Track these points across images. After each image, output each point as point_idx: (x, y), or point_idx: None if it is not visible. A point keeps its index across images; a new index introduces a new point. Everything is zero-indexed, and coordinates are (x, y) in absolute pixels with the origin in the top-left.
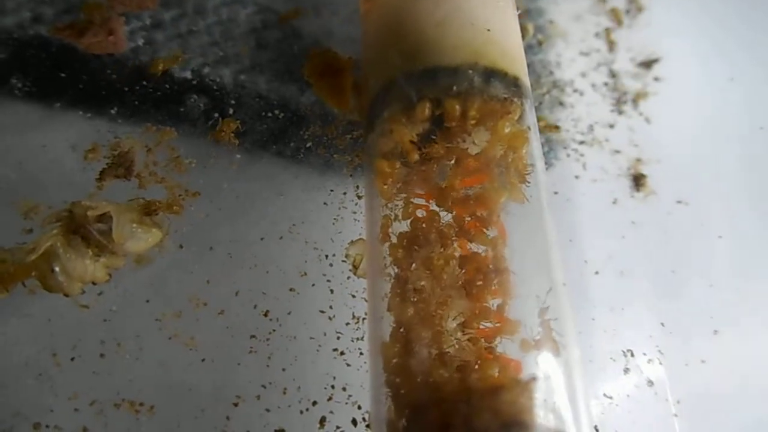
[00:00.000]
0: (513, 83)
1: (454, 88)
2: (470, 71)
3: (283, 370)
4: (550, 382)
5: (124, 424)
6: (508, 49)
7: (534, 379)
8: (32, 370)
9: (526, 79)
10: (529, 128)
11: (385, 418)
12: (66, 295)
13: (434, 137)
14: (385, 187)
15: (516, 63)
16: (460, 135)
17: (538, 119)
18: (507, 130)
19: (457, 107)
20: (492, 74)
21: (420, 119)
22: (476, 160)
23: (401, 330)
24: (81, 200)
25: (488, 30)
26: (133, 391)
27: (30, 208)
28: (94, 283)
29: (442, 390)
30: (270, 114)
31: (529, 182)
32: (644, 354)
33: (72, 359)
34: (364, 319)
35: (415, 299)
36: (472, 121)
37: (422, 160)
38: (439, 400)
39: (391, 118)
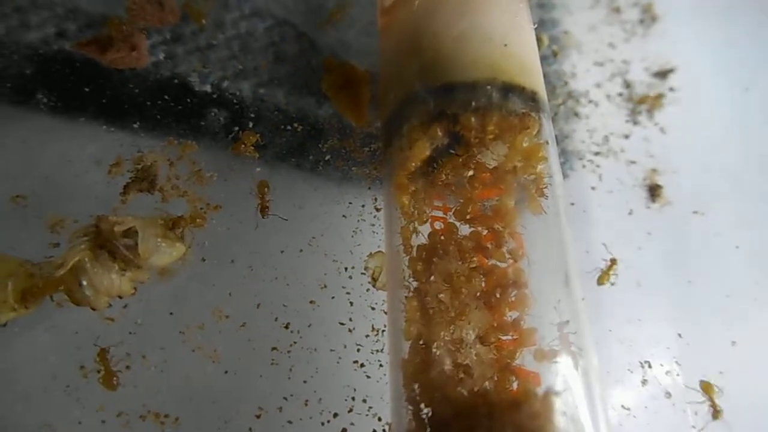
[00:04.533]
0: (531, 98)
1: (473, 103)
2: (488, 87)
3: (305, 382)
4: (569, 393)
5: None
6: (525, 64)
7: (553, 392)
8: (60, 383)
9: (543, 93)
10: (547, 142)
11: (405, 430)
12: (93, 309)
13: (453, 151)
14: (405, 200)
15: (533, 77)
16: (478, 149)
17: None
18: (525, 145)
19: (474, 122)
20: (510, 89)
21: (439, 134)
22: (493, 173)
23: (421, 342)
24: (107, 215)
25: (505, 45)
26: (158, 403)
27: (56, 222)
28: (120, 297)
29: (463, 405)
30: (289, 127)
31: (547, 195)
32: (662, 365)
33: (98, 371)
34: (383, 331)
35: (434, 312)
36: (491, 136)
37: (441, 173)
38: (461, 415)
39: (409, 133)
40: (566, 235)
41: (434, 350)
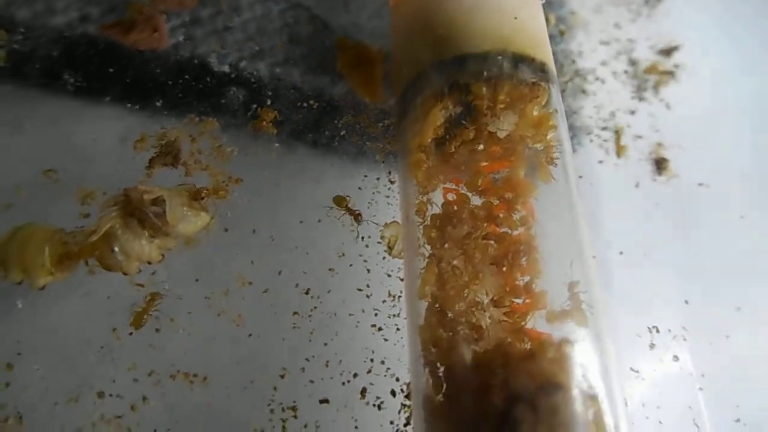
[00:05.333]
0: (540, 68)
1: (485, 73)
2: (499, 57)
3: (325, 344)
4: (582, 347)
5: (180, 394)
6: (535, 36)
7: (567, 341)
8: (95, 345)
9: (552, 65)
10: (556, 111)
11: (423, 390)
12: (124, 274)
13: (464, 122)
14: (419, 171)
15: (542, 49)
16: (489, 119)
17: None
18: (535, 113)
19: (486, 91)
20: (520, 60)
21: (451, 104)
22: (503, 146)
23: (436, 306)
24: (136, 185)
25: (515, 18)
26: (186, 364)
27: (86, 194)
28: (149, 263)
29: (479, 360)
30: (305, 104)
31: (556, 163)
32: (669, 330)
33: (130, 334)
34: (399, 296)
35: (448, 276)
36: (501, 105)
37: (453, 144)
38: (477, 369)
39: (423, 104)
40: (576, 200)
41: (449, 314)
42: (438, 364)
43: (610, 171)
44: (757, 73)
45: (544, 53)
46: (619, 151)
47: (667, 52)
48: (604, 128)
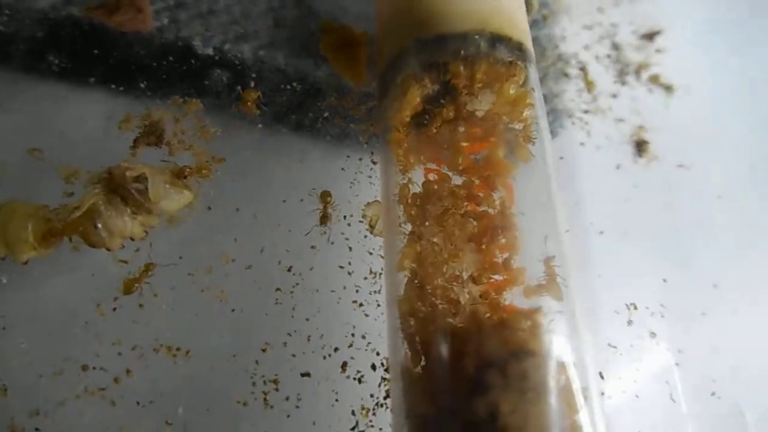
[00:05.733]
0: (517, 48)
1: (462, 52)
2: (477, 36)
3: (307, 320)
4: (554, 318)
5: (163, 367)
6: (512, 17)
7: (539, 311)
8: (79, 319)
9: (529, 45)
10: (533, 89)
11: (401, 363)
12: (108, 249)
13: (443, 101)
14: (399, 150)
15: (520, 29)
16: (467, 97)
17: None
18: (512, 92)
19: (463, 70)
20: (497, 39)
21: (429, 83)
22: (483, 126)
23: (416, 282)
24: (119, 163)
25: None
26: (170, 338)
27: (71, 173)
28: (132, 239)
29: (455, 329)
30: (289, 86)
31: (534, 141)
32: (647, 308)
33: (114, 309)
34: (380, 273)
35: (428, 253)
36: (479, 84)
37: (433, 124)
38: (453, 337)
39: (403, 82)
40: (552, 177)
41: (428, 288)
42: (416, 337)
43: (591, 153)
44: (738, 55)
45: (522, 34)
46: (589, 86)
47: (649, 36)
48: (586, 111)
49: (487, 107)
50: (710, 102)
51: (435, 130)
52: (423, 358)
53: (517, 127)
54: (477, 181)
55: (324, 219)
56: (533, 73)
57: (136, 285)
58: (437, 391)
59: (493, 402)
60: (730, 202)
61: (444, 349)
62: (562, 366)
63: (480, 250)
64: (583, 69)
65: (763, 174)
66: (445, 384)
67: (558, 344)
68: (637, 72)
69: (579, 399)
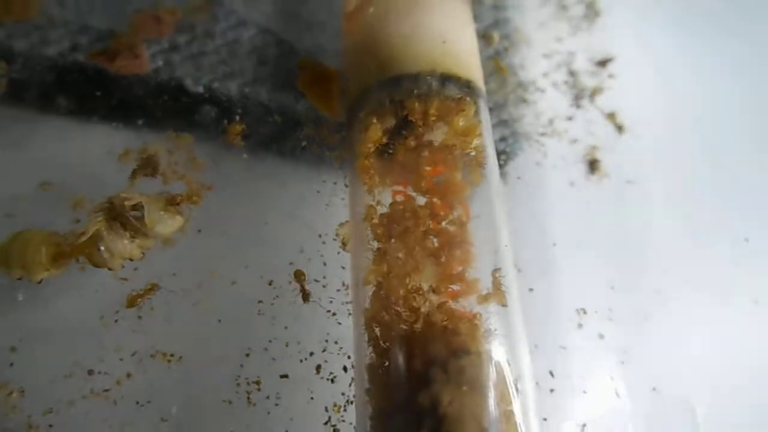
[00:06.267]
0: (466, 85)
1: (415, 91)
2: (428, 77)
3: (286, 328)
4: (494, 322)
5: (159, 370)
6: (461, 57)
7: (478, 316)
8: (85, 330)
9: (479, 82)
10: (480, 121)
11: (366, 364)
12: (110, 269)
13: (404, 132)
14: (365, 176)
15: (469, 68)
16: (423, 129)
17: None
18: (462, 124)
19: (418, 106)
20: (447, 79)
21: (388, 118)
22: (441, 153)
23: (381, 293)
24: (118, 193)
25: (444, 42)
26: (165, 345)
27: (77, 201)
28: (131, 260)
29: (412, 334)
30: (270, 119)
31: (484, 165)
32: (596, 312)
33: (116, 321)
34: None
35: (393, 267)
36: (432, 118)
37: (397, 154)
38: (408, 341)
39: (365, 118)
40: (498, 197)
41: (392, 299)
42: (379, 341)
43: (547, 172)
44: (680, 83)
45: (471, 72)
46: (501, 71)
47: (603, 63)
48: (542, 134)
49: (441, 137)
50: (656, 123)
51: (402, 157)
52: (384, 359)
53: (471, 153)
54: (438, 201)
55: (305, 297)
56: (483, 106)
57: (138, 300)
58: (393, 387)
59: (435, 394)
60: (673, 216)
61: (400, 351)
62: (496, 363)
63: (439, 264)
64: (496, 58)
65: (702, 190)
66: (399, 381)
67: (494, 344)
68: (592, 96)
69: (512, 392)
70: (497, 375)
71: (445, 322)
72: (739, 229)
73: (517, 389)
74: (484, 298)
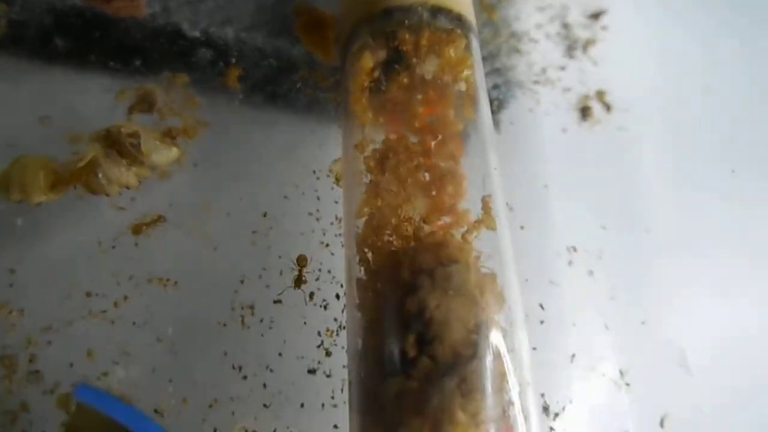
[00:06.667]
0: (457, 18)
1: (406, 21)
2: (420, 8)
3: (279, 257)
4: (483, 240)
5: (155, 294)
6: None
7: (470, 232)
8: (84, 255)
9: (470, 17)
10: (472, 54)
11: (356, 280)
12: (107, 195)
13: (397, 66)
14: (360, 110)
15: (460, 2)
16: (415, 61)
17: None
18: (452, 54)
19: (409, 37)
20: (438, 11)
21: (380, 49)
22: (433, 89)
23: (373, 222)
24: (116, 123)
25: None
26: (161, 271)
27: (75, 136)
28: (127, 188)
29: (400, 248)
30: (266, 62)
31: (476, 99)
32: (586, 250)
33: (113, 247)
34: None
35: (385, 198)
36: (424, 49)
37: (391, 89)
38: (396, 254)
39: (358, 50)
40: (488, 129)
41: (383, 223)
42: (370, 263)
43: (540, 118)
44: (671, 33)
45: (462, 5)
46: (489, 13)
47: (595, 16)
48: (535, 82)
49: (433, 70)
50: (645, 73)
51: (394, 95)
52: (374, 277)
53: (462, 89)
54: (430, 138)
55: (298, 281)
56: (474, 42)
57: (144, 228)
58: (382, 297)
59: (422, 299)
60: (661, 159)
61: (390, 265)
62: (484, 275)
63: (430, 197)
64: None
65: (689, 132)
66: (389, 291)
67: (482, 259)
68: (584, 47)
69: (499, 302)
70: (483, 284)
71: (435, 238)
72: (725, 163)
73: (503, 299)
74: (474, 226)
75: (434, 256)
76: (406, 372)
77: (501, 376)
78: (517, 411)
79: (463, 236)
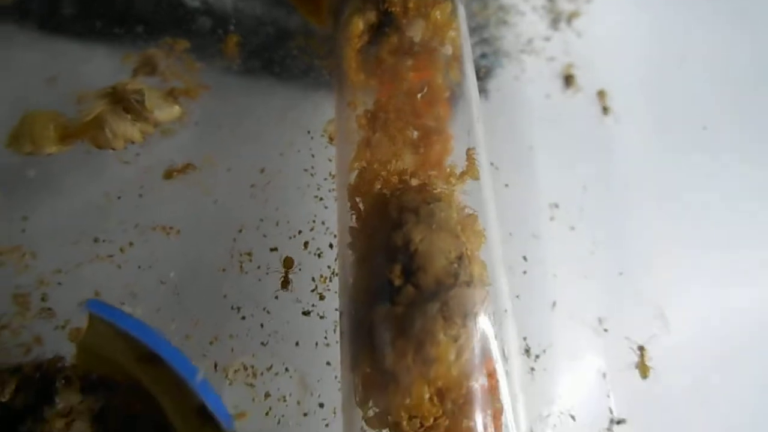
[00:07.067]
0: None
1: None
2: None
3: (276, 209)
4: (466, 186)
5: (159, 241)
6: None
7: (453, 178)
8: (91, 205)
9: None
10: (456, 17)
11: (349, 226)
12: (113, 149)
13: (386, 30)
14: (352, 71)
15: None
16: (404, 24)
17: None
18: (438, 16)
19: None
20: None
21: (369, 11)
22: (423, 54)
23: (365, 176)
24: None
25: None
26: (164, 220)
27: (82, 95)
28: (132, 142)
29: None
30: (263, 30)
31: (461, 60)
32: (568, 208)
33: (119, 197)
34: None
35: (376, 154)
36: (412, 12)
37: (382, 52)
38: (384, 196)
39: (349, 16)
40: (473, 88)
41: (374, 179)
42: (360, 209)
43: (524, 85)
44: (650, 8)
45: None
46: None
47: None
48: (521, 52)
49: (421, 31)
50: (625, 43)
51: (384, 56)
52: (365, 221)
53: (448, 53)
54: (419, 100)
55: (285, 283)
56: (460, 9)
57: (175, 173)
58: (371, 236)
59: (407, 233)
60: (638, 120)
61: (379, 207)
62: (467, 215)
63: (419, 153)
64: None
65: (660, 93)
66: (377, 229)
67: (464, 200)
68: (569, 19)
69: (479, 239)
70: (466, 221)
71: (421, 182)
72: (697, 119)
73: (484, 236)
74: (459, 178)
75: (419, 196)
76: (393, 300)
77: (481, 303)
78: (497, 341)
79: (447, 183)
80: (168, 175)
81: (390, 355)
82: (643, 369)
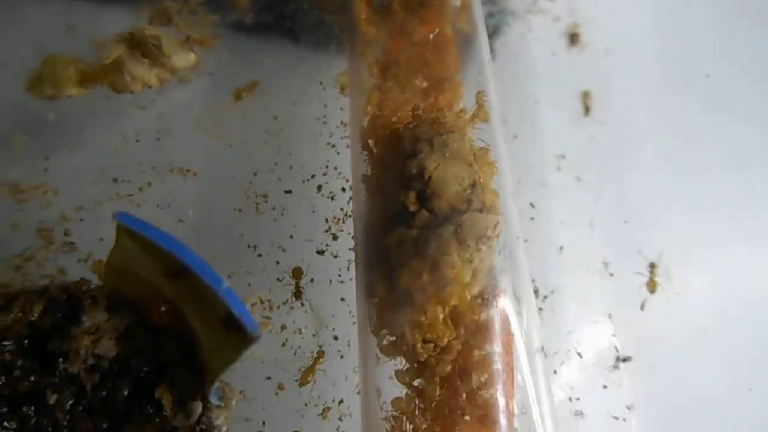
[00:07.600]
0: None
1: None
2: None
3: (290, 154)
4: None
5: (176, 182)
6: None
7: (463, 116)
8: (110, 147)
9: None
10: None
11: (362, 172)
12: (131, 92)
13: None
14: (363, 23)
15: None
16: None
17: None
18: None
19: None
20: None
21: None
22: (432, 8)
23: (377, 120)
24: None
25: None
26: (181, 162)
27: (100, 43)
28: (150, 87)
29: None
30: None
31: (471, 14)
32: (574, 159)
33: (137, 141)
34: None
35: (388, 97)
36: None
37: (390, 4)
38: (398, 130)
39: None
40: (482, 36)
41: (387, 118)
42: (372, 148)
43: (530, 43)
44: None
45: None
46: None
47: None
48: (528, 12)
49: None
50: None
51: (394, 8)
52: (378, 156)
53: (457, 4)
54: (429, 52)
55: (298, 294)
56: None
57: (243, 93)
58: (386, 166)
59: (421, 161)
60: (644, 78)
61: (392, 141)
62: (478, 149)
63: (428, 100)
64: None
65: (664, 48)
66: (392, 160)
67: (475, 132)
68: None
69: (491, 169)
70: (478, 152)
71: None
72: (699, 68)
73: (496, 168)
74: (469, 121)
75: (433, 128)
76: (408, 224)
77: (493, 229)
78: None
79: (456, 113)
80: (237, 95)
81: (405, 275)
82: (652, 284)
